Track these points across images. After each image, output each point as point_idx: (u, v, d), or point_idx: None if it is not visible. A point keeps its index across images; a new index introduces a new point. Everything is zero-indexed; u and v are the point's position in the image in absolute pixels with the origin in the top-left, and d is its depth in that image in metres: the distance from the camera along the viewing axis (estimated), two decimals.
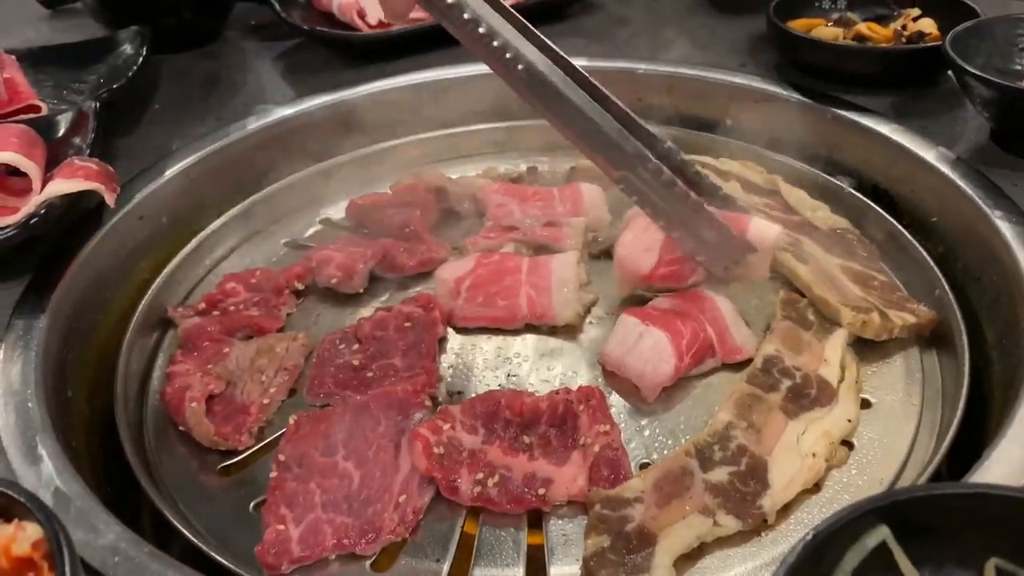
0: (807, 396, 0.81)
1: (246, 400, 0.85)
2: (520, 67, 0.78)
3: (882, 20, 1.26)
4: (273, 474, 0.77)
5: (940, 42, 1.05)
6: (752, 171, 1.15)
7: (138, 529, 0.68)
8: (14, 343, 0.84)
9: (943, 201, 0.99)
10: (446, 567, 0.69)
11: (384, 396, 0.80)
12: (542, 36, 0.84)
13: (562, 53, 0.85)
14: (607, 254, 1.00)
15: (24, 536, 0.54)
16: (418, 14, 0.89)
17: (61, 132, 1.05)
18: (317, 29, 1.36)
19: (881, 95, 1.13)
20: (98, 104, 1.07)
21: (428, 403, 0.80)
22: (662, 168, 0.84)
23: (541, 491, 0.73)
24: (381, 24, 1.35)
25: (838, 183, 1.08)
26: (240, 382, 0.87)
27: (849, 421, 0.79)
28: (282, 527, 0.71)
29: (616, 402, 0.81)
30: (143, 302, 0.98)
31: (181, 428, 0.83)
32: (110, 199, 0.92)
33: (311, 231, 1.13)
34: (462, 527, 0.72)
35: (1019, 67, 1.04)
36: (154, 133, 1.18)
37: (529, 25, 0.83)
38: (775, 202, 1.09)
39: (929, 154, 1.02)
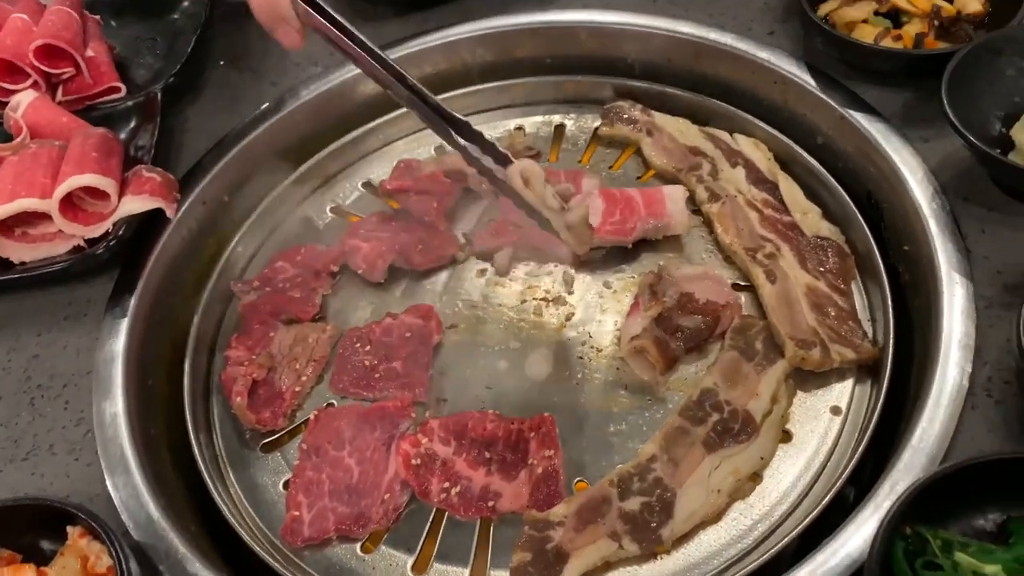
0: (730, 431, 0.94)
1: (282, 386, 1.07)
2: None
3: None
4: (297, 461, 1.00)
5: (954, 49, 1.03)
6: (761, 154, 1.20)
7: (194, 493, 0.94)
8: (110, 332, 1.07)
9: (916, 230, 1.02)
10: (412, 558, 0.92)
11: (379, 409, 1.00)
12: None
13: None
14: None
15: (105, 560, 0.79)
16: None
17: (132, 124, 1.22)
18: None
19: (901, 89, 1.12)
20: (162, 89, 1.23)
21: (414, 414, 1.00)
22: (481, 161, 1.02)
23: (491, 503, 0.93)
24: None
25: (834, 184, 1.12)
26: (279, 367, 1.09)
27: (762, 459, 0.93)
28: (297, 513, 0.95)
29: (563, 428, 0.98)
30: (211, 279, 1.18)
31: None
32: (170, 211, 1.11)
33: (354, 196, 1.29)
34: (430, 525, 0.94)
35: None
36: (213, 101, 1.32)
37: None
38: (770, 197, 1.15)
39: (914, 175, 1.04)
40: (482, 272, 1.15)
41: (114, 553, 0.77)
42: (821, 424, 0.96)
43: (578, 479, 0.95)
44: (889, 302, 1.01)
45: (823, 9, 1.20)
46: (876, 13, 1.17)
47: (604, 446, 0.97)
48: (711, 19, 1.27)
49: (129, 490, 0.91)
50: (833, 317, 1.02)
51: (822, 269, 1.06)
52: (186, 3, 1.42)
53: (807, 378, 0.99)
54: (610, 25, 1.31)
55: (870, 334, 1.02)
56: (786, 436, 0.96)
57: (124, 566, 0.76)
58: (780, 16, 1.26)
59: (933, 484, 0.72)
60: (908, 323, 1.01)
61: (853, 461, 0.91)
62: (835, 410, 0.97)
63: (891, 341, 0.98)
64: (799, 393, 0.99)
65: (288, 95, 1.31)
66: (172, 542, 0.87)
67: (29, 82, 1.27)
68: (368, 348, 1.07)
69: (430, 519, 0.94)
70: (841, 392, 0.98)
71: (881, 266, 1.04)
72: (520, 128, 1.32)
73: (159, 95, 1.24)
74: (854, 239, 1.09)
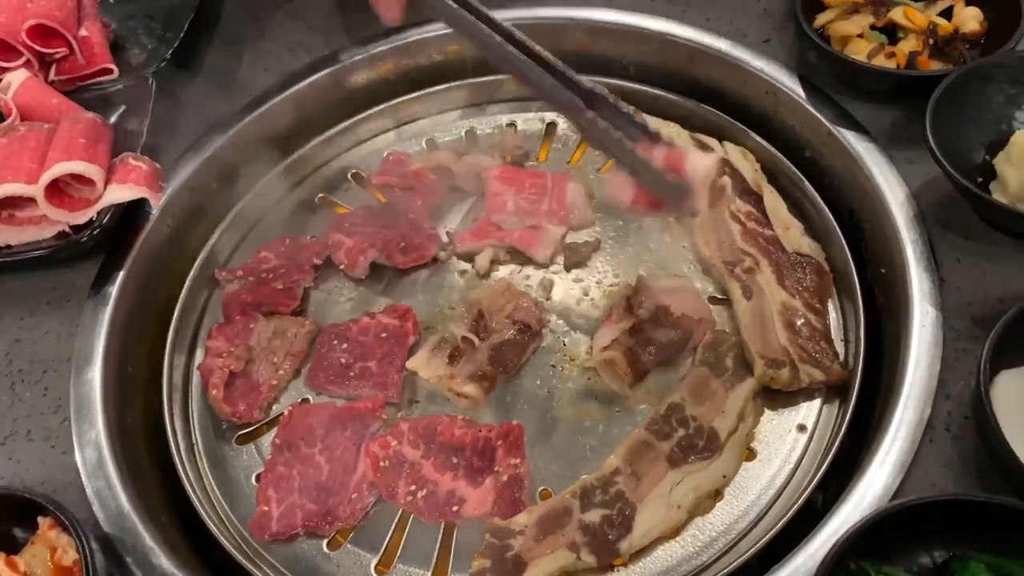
0: (695, 447, 0.96)
1: (259, 379, 1.09)
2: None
3: None
4: (269, 455, 1.02)
5: (944, 72, 1.02)
6: (748, 164, 1.19)
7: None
8: (91, 319, 1.09)
9: (893, 253, 1.02)
10: (376, 558, 0.94)
11: (351, 409, 1.01)
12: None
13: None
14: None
15: (72, 553, 0.81)
16: None
17: (123, 107, 1.23)
18: None
19: (890, 107, 1.11)
20: (154, 73, 1.23)
21: (385, 416, 1.01)
22: (596, 119, 0.93)
23: (455, 508, 0.94)
24: None
25: (818, 199, 1.12)
26: (258, 360, 1.10)
27: (724, 476, 0.94)
28: (267, 508, 0.97)
29: (532, 436, 0.99)
30: (195, 264, 1.19)
31: None
32: (155, 201, 1.12)
33: (342, 187, 1.29)
34: (396, 526, 0.96)
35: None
36: (206, 85, 1.32)
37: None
38: (754, 210, 1.15)
39: (896, 197, 1.04)
40: (463, 272, 1.16)
41: (81, 548, 0.79)
42: (786, 443, 0.97)
43: (542, 488, 0.97)
44: (863, 324, 1.01)
45: (820, 19, 1.19)
46: (873, 27, 1.16)
47: (571, 456, 0.98)
48: (708, 23, 1.26)
49: (101, 480, 0.93)
50: (805, 337, 1.02)
51: (799, 287, 1.07)
52: None
53: (775, 396, 1.00)
54: (605, 23, 1.30)
55: (842, 355, 1.02)
56: (750, 454, 0.97)
57: (89, 561, 0.78)
58: (778, 23, 1.25)
59: (879, 521, 0.73)
60: (880, 347, 1.02)
61: (815, 481, 0.92)
62: (801, 428, 0.98)
63: (861, 364, 0.98)
64: (766, 411, 1.00)
65: (281, 82, 1.31)
66: (140, 534, 0.89)
67: (22, 60, 1.27)
68: (345, 346, 1.08)
69: (395, 520, 0.96)
70: (808, 411, 0.99)
71: (858, 287, 1.04)
72: (512, 124, 1.32)
73: (151, 79, 1.24)
74: (834, 257, 1.09)
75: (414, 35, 1.34)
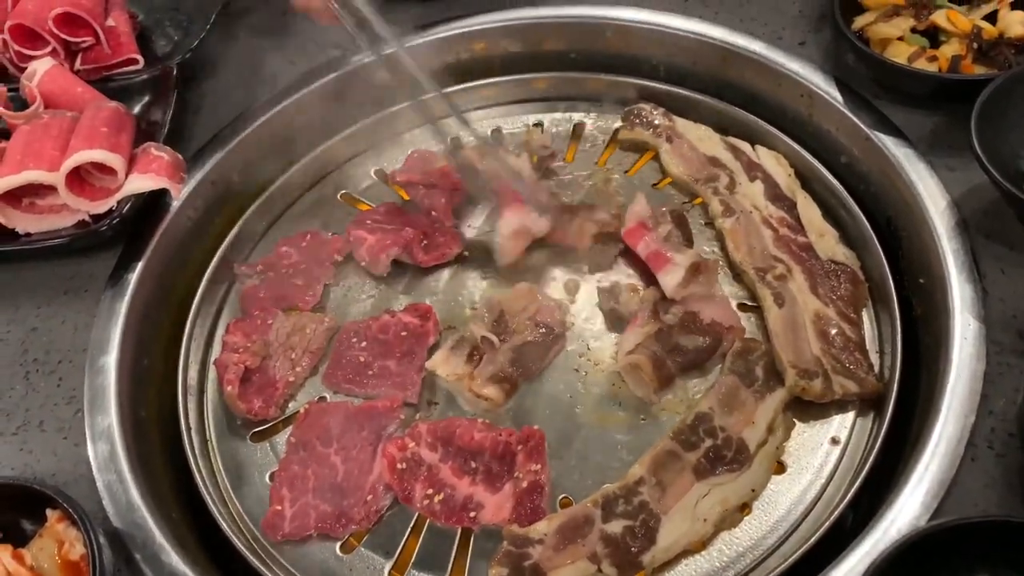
0: (722, 459, 0.92)
1: (276, 375, 1.07)
2: None
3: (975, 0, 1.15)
4: (284, 454, 0.99)
5: (990, 76, 0.98)
6: (782, 169, 1.16)
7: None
8: (108, 309, 1.07)
9: (932, 263, 0.99)
10: (391, 563, 0.91)
11: (368, 409, 0.99)
12: None
13: None
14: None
15: (79, 548, 0.79)
16: None
17: (147, 97, 1.22)
18: None
19: (931, 113, 1.07)
20: (179, 64, 1.22)
21: (403, 416, 0.98)
22: None
23: (472, 514, 0.92)
24: None
25: (854, 206, 1.08)
26: (275, 356, 1.08)
27: (753, 490, 0.91)
28: (280, 507, 0.95)
29: (553, 442, 0.96)
30: (215, 257, 1.17)
31: None
32: (175, 192, 1.10)
33: (365, 183, 1.27)
34: (411, 530, 0.93)
35: None
36: (231, 77, 1.30)
37: None
38: (787, 216, 1.12)
39: (936, 205, 1.00)
40: (486, 273, 1.13)
41: (88, 543, 0.77)
42: (818, 457, 0.94)
43: (563, 496, 0.94)
44: (899, 336, 0.98)
45: (858, 22, 1.15)
46: (913, 31, 1.12)
47: (594, 464, 0.95)
48: (742, 24, 1.23)
49: (113, 474, 0.91)
50: (839, 347, 0.98)
51: (833, 296, 1.03)
52: None
53: (807, 408, 0.96)
54: (637, 24, 1.27)
55: (876, 367, 0.99)
56: (780, 467, 0.94)
57: (97, 557, 0.76)
58: (814, 25, 1.22)
59: (917, 542, 0.69)
60: (917, 359, 0.98)
61: (848, 497, 0.89)
62: (834, 441, 0.95)
63: (897, 376, 0.95)
64: (797, 423, 0.96)
65: (307, 76, 1.29)
66: (151, 530, 0.87)
67: (48, 49, 1.26)
68: (364, 344, 1.06)
69: (411, 524, 0.94)
70: (841, 424, 0.96)
71: (895, 297, 1.00)
72: (539, 124, 1.29)
73: (175, 70, 1.23)
74: (869, 266, 1.05)
75: (442, 32, 1.32)
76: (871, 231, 1.06)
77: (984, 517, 0.71)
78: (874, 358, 1.00)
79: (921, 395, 0.94)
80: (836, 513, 0.88)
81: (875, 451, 0.91)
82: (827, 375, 0.95)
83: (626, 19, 1.28)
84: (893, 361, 0.97)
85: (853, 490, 0.89)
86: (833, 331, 1.00)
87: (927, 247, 0.99)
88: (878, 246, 1.04)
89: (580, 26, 1.30)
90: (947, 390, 0.86)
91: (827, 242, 1.08)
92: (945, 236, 0.97)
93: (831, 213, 1.11)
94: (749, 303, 1.06)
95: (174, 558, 0.85)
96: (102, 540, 0.78)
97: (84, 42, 1.27)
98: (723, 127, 1.21)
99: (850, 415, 0.96)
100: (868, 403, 0.96)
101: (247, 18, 1.37)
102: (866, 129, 1.09)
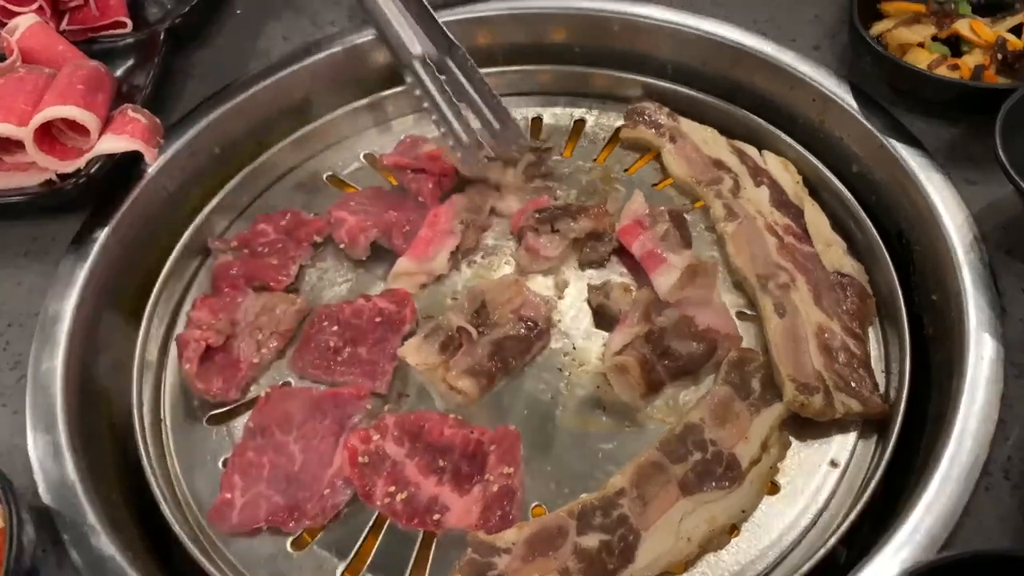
0: (712, 474, 0.85)
1: (240, 355, 1.00)
2: None
3: (999, 12, 1.10)
4: (240, 439, 0.92)
5: (1016, 86, 0.93)
6: (789, 175, 1.11)
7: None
8: (67, 274, 1.00)
9: (947, 279, 0.92)
10: (344, 564, 0.84)
11: (334, 396, 0.92)
12: None
13: None
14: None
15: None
16: None
17: (131, 61, 1.16)
18: None
19: (950, 123, 1.02)
20: (167, 29, 1.16)
21: (369, 405, 0.91)
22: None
23: (437, 516, 0.84)
24: None
25: (864, 217, 1.02)
26: (241, 335, 1.01)
27: (743, 511, 0.84)
28: (229, 496, 0.88)
29: (529, 444, 0.89)
30: (188, 229, 1.11)
31: None
32: (150, 156, 1.04)
33: (353, 167, 1.21)
34: (370, 530, 0.86)
35: None
36: (222, 48, 1.25)
37: None
38: (793, 224, 1.06)
39: (953, 219, 0.94)
40: (471, 262, 1.07)
41: (8, 517, 0.70)
42: (815, 479, 0.87)
43: (536, 503, 0.87)
44: (908, 354, 0.91)
45: (877, 28, 1.10)
46: (935, 39, 1.07)
47: (572, 471, 0.88)
48: (755, 26, 1.18)
49: (49, 447, 0.84)
50: (843, 363, 0.92)
51: (838, 309, 0.97)
52: None
53: (805, 426, 0.90)
54: (646, 19, 1.22)
55: (882, 387, 0.92)
56: (774, 488, 0.87)
57: (15, 532, 0.69)
58: (830, 30, 1.16)
59: (927, 574, 0.62)
60: (927, 380, 0.91)
61: (845, 525, 0.82)
62: (833, 464, 0.88)
63: (904, 397, 0.88)
64: (794, 442, 0.89)
65: (300, 52, 1.23)
66: (83, 509, 0.80)
67: (34, 6, 1.21)
68: (335, 328, 0.99)
69: (370, 523, 0.86)
70: (841, 445, 0.89)
71: (904, 314, 0.94)
72: (538, 118, 1.23)
73: (162, 35, 1.17)
74: (878, 280, 0.99)
75: (446, 17, 1.26)
76: (881, 243, 1.00)
77: (1004, 551, 0.64)
78: (880, 377, 0.93)
79: (930, 419, 0.87)
80: (832, 541, 0.81)
81: (877, 477, 0.84)
82: (828, 391, 0.89)
83: (635, 14, 1.22)
84: (900, 381, 0.90)
85: (851, 517, 0.82)
86: (837, 346, 0.93)
87: (942, 262, 0.92)
88: (888, 259, 0.99)
89: (587, 18, 1.24)
90: (959, 414, 0.80)
91: (834, 253, 1.02)
92: (962, 250, 0.91)
93: (839, 223, 1.05)
94: (748, 312, 1.00)
95: (103, 540, 0.78)
96: (24, 515, 0.71)
97: (72, 1, 1.22)
98: (729, 130, 1.16)
99: (851, 436, 0.89)
100: (871, 424, 0.89)
101: None
102: (880, 136, 1.03)
